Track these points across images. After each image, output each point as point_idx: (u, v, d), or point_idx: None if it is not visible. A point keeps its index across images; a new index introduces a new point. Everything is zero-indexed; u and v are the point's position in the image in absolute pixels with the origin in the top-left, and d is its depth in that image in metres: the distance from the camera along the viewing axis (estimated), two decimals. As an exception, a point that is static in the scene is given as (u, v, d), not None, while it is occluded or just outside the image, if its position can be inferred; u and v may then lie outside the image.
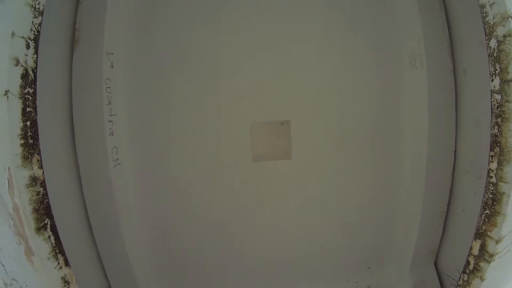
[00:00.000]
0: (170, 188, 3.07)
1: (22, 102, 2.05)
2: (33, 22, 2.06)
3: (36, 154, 2.13)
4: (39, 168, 2.14)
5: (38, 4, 2.06)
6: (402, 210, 3.07)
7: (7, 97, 1.97)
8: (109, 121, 2.83)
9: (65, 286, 2.23)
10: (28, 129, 2.09)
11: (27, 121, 2.08)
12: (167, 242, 3.11)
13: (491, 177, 2.10)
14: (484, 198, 2.14)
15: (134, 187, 2.98)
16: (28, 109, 2.08)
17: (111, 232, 2.93)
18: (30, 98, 2.10)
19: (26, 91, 2.06)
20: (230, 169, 3.05)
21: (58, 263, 2.18)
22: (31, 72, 2.09)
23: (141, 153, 3.00)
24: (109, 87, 2.80)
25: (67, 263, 2.23)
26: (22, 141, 2.05)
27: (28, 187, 2.07)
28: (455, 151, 2.87)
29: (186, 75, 2.97)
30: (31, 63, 2.08)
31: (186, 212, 3.09)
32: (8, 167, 2.01)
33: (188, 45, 2.96)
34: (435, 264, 3.08)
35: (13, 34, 1.96)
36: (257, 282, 3.15)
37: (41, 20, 2.10)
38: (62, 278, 2.22)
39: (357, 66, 3.00)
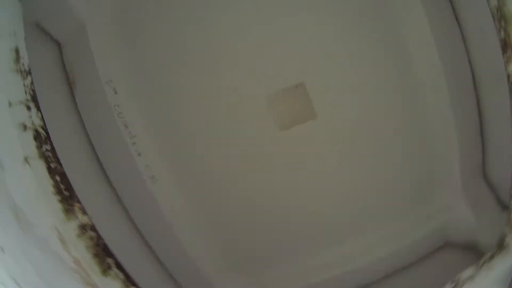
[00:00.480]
0: (210, 182, 2.97)
1: (45, 161, 2.02)
2: (24, 84, 1.99)
3: (76, 203, 2.10)
4: (83, 214, 2.11)
5: (23, 65, 1.98)
6: (436, 134, 2.90)
7: (29, 163, 1.94)
8: (133, 144, 2.76)
9: None
10: (60, 184, 2.06)
11: (55, 176, 2.04)
12: (225, 235, 3.06)
13: (512, 82, 1.96)
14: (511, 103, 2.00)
15: (176, 194, 2.90)
16: (52, 165, 2.05)
17: (172, 246, 2.89)
18: (50, 154, 2.07)
19: (43, 149, 2.02)
20: (262, 146, 2.93)
21: None
22: (41, 130, 2.04)
23: (172, 160, 2.90)
24: (120, 112, 2.72)
25: None
26: (59, 197, 2.03)
27: (80, 237, 2.05)
28: (469, 62, 2.68)
29: (188, 72, 2.82)
30: (38, 122, 2.03)
31: (231, 200, 2.99)
32: (55, 226, 1.99)
33: (184, 43, 2.79)
34: (485, 178, 2.95)
35: (10, 104, 1.89)
36: (315, 246, 3.04)
37: (31, 79, 2.02)
38: None
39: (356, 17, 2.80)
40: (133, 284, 2.20)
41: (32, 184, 1.94)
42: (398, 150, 2.97)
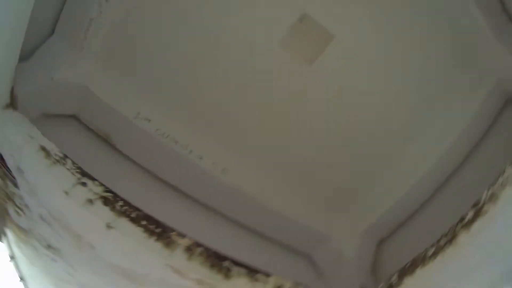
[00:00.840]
0: (273, 144, 2.95)
1: (125, 217, 2.10)
2: (67, 168, 2.08)
3: (171, 232, 2.16)
4: (183, 238, 2.18)
5: (56, 155, 2.07)
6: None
7: (112, 227, 2.03)
8: (190, 152, 2.81)
9: None
10: (148, 226, 2.13)
11: (141, 222, 2.11)
12: (312, 186, 3.05)
13: None
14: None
15: (251, 174, 2.93)
16: (133, 215, 2.12)
17: (274, 219, 2.93)
18: (126, 207, 2.13)
19: (118, 207, 2.09)
20: (303, 89, 2.81)
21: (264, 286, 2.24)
22: (106, 194, 2.12)
23: (230, 145, 2.90)
24: (164, 133, 2.77)
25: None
26: (154, 238, 2.11)
27: (190, 259, 2.12)
28: None
29: (200, 60, 2.76)
30: (99, 190, 2.11)
31: (299, 151, 2.96)
32: (165, 264, 2.09)
33: (181, 36, 2.71)
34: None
35: (67, 193, 2.01)
36: (394, 155, 2.94)
37: (71, 160, 2.11)
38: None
39: None
40: (257, 271, 2.26)
41: (126, 243, 2.06)
42: (426, 35, 2.72)
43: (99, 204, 2.05)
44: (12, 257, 3.53)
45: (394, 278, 2.36)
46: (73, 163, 2.11)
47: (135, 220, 2.09)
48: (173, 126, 2.79)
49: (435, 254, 2.16)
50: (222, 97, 2.82)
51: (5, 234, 2.83)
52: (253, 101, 2.84)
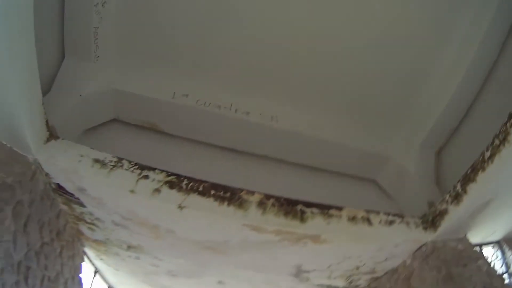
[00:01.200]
0: (315, 79, 2.95)
1: (193, 192, 2.14)
2: (125, 169, 2.13)
3: (239, 193, 2.20)
4: (252, 195, 2.24)
5: (110, 162, 2.14)
6: None
7: (184, 207, 2.09)
8: (235, 111, 2.87)
9: None
10: (226, 193, 2.19)
11: (210, 192, 2.18)
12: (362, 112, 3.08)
13: None
14: None
15: (299, 114, 2.96)
16: (200, 189, 2.17)
17: (334, 151, 3.00)
18: (192, 183, 2.19)
19: (184, 186, 2.16)
20: (327, 21, 2.75)
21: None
22: (170, 178, 2.18)
23: (271, 94, 2.93)
24: (204, 102, 2.82)
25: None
26: (226, 203, 2.16)
27: (264, 213, 2.19)
28: None
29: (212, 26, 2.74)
30: (162, 177, 2.18)
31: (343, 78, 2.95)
32: (242, 224, 2.17)
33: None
34: None
35: (132, 191, 2.06)
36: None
37: (126, 160, 2.18)
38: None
39: None
40: (329, 207, 2.34)
41: (201, 217, 2.15)
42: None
43: (165, 189, 2.12)
44: (96, 271, 3.74)
45: (458, 187, 2.40)
46: (129, 162, 2.18)
47: (203, 193, 2.17)
48: (211, 92, 2.84)
49: (492, 156, 2.18)
50: (247, 51, 2.81)
51: (85, 253, 2.98)
52: (281, 46, 2.79)
